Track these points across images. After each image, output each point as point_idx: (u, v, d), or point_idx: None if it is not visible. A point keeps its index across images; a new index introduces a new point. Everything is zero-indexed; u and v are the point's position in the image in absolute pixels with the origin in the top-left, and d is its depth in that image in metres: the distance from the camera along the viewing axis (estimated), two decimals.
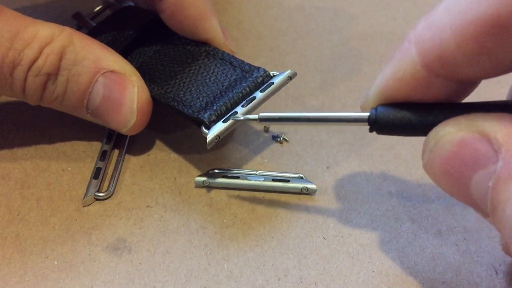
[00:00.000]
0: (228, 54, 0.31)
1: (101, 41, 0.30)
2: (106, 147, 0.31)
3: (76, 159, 0.31)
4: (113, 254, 0.27)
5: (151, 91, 0.30)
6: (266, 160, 0.31)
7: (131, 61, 0.31)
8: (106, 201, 0.29)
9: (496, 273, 0.26)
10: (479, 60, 0.19)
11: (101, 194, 0.29)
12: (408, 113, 0.22)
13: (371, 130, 0.23)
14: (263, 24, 0.42)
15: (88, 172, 0.30)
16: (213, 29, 0.32)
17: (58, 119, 0.33)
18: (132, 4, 0.37)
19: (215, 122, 0.28)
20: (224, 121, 0.27)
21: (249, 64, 0.30)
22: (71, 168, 0.31)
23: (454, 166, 0.20)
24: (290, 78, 0.30)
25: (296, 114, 0.25)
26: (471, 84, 0.22)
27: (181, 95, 0.30)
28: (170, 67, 0.31)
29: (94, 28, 0.35)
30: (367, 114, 0.23)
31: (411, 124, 0.22)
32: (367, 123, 0.23)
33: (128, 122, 0.29)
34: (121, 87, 0.29)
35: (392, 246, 0.27)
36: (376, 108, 0.23)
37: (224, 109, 0.28)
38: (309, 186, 0.29)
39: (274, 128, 0.33)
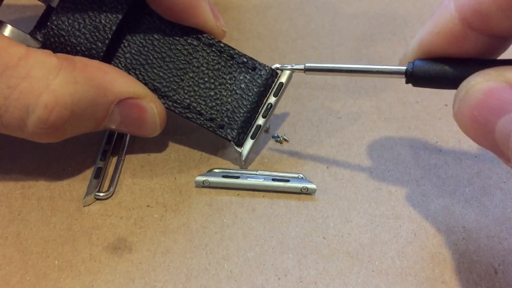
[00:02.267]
0: (228, 47, 0.30)
1: (83, 24, 0.28)
2: (106, 147, 0.31)
3: (76, 159, 0.31)
4: (114, 254, 0.27)
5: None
6: (266, 160, 0.31)
7: (122, 54, 0.29)
8: (106, 201, 0.29)
9: (496, 272, 0.26)
10: None
11: (101, 194, 0.29)
12: (443, 66, 0.24)
13: (407, 82, 0.25)
14: (263, 24, 0.42)
15: (89, 172, 0.30)
16: (204, 13, 0.30)
17: None
18: None
19: (243, 137, 0.30)
20: (252, 137, 0.30)
21: (251, 59, 0.30)
22: (72, 168, 0.31)
23: (482, 113, 0.21)
24: (291, 71, 0.31)
25: (339, 66, 0.27)
26: (506, 40, 0.23)
27: (194, 104, 0.30)
28: (168, 66, 0.30)
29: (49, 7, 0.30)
30: (404, 67, 0.25)
31: (446, 76, 0.24)
32: (404, 76, 0.25)
33: (149, 135, 0.30)
34: (139, 112, 0.28)
35: (391, 245, 0.27)
36: (413, 62, 0.25)
37: (247, 123, 0.30)
38: (309, 186, 0.29)
39: (274, 128, 0.33)
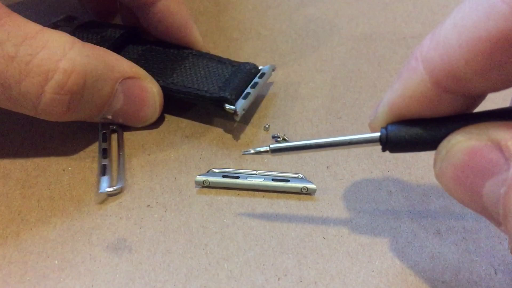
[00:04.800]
0: (214, 54, 0.35)
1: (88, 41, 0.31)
2: (104, 145, 0.31)
3: (76, 159, 0.31)
4: (114, 254, 0.27)
5: (158, 83, 0.33)
6: (266, 160, 0.31)
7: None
8: (106, 201, 0.29)
9: (496, 272, 0.26)
10: (489, 75, 0.19)
11: (112, 189, 0.29)
12: (419, 129, 0.22)
13: (383, 150, 0.23)
14: (263, 24, 0.42)
15: (89, 172, 0.30)
16: (195, 34, 0.35)
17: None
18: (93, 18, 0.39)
19: (235, 99, 0.32)
20: (243, 98, 0.32)
21: (235, 61, 0.35)
22: (72, 168, 0.31)
23: (466, 175, 0.20)
24: (273, 69, 0.36)
25: (306, 142, 0.25)
26: (480, 97, 0.22)
27: (190, 84, 0.33)
28: (165, 65, 0.34)
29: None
30: (377, 134, 0.23)
31: (423, 139, 0.22)
32: (379, 143, 0.23)
33: (149, 119, 0.32)
34: (141, 91, 0.31)
35: (391, 245, 0.27)
36: (386, 127, 0.23)
37: (238, 89, 0.32)
38: (309, 186, 0.29)
39: (274, 127, 0.33)
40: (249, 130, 0.33)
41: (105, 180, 0.29)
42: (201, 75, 0.33)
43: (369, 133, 0.23)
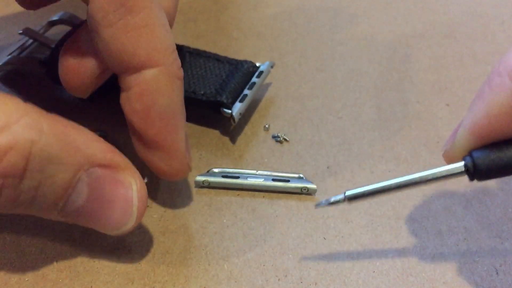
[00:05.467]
0: (211, 52, 0.34)
1: None
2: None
3: None
4: (113, 254, 0.26)
5: None
6: (266, 160, 0.31)
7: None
8: None
9: (497, 273, 0.25)
10: None
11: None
12: (510, 151, 0.21)
13: (471, 179, 0.22)
14: (263, 24, 0.42)
15: None
16: (179, 139, 0.26)
17: None
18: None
19: (232, 103, 0.31)
20: (240, 101, 0.32)
21: (233, 58, 0.34)
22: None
23: None
24: (272, 66, 0.35)
25: (385, 184, 0.23)
26: None
27: (186, 87, 0.31)
28: None
29: (56, 47, 0.32)
30: (461, 164, 0.22)
31: None
32: (465, 174, 0.22)
33: (122, 225, 0.24)
34: (113, 187, 0.23)
35: (392, 246, 0.27)
36: (470, 155, 0.21)
37: (234, 91, 0.32)
38: (309, 186, 0.29)
39: (274, 127, 0.33)
40: (249, 130, 0.33)
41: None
42: (198, 76, 0.33)
43: (450, 165, 0.22)
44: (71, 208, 0.22)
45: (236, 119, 0.31)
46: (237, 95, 0.32)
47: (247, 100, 0.32)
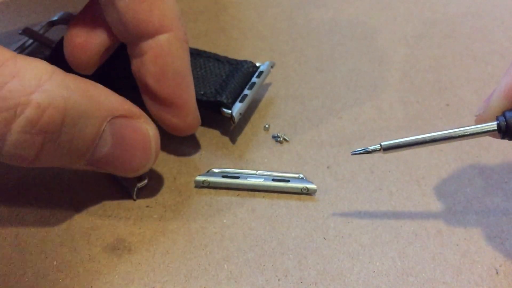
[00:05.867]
0: (211, 52, 0.34)
1: None
2: None
3: None
4: (113, 254, 0.26)
5: None
6: (266, 160, 0.31)
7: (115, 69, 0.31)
8: (105, 201, 0.29)
9: (497, 273, 0.25)
10: None
11: (142, 183, 0.29)
12: None
13: (503, 137, 0.23)
14: (263, 24, 0.42)
15: (88, 172, 0.30)
16: (190, 96, 0.29)
17: None
18: None
19: (232, 103, 0.31)
20: (240, 101, 0.32)
21: (233, 58, 0.34)
22: (71, 168, 0.31)
23: None
24: (272, 66, 0.35)
25: (420, 137, 0.24)
26: None
27: None
28: None
29: (56, 47, 0.33)
30: (494, 123, 0.23)
31: None
32: (496, 132, 0.23)
33: (142, 167, 0.27)
34: (133, 133, 0.25)
35: (392, 246, 0.27)
36: (503, 115, 0.22)
37: (234, 92, 0.32)
38: (309, 186, 0.29)
39: (274, 127, 0.33)
40: (249, 130, 0.33)
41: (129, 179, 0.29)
42: (198, 76, 0.33)
43: (483, 124, 0.23)
44: (98, 157, 0.25)
45: (236, 119, 0.31)
46: (237, 95, 0.32)
47: (247, 100, 0.32)
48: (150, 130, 0.26)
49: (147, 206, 0.29)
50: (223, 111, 0.31)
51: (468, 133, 0.23)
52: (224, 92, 0.31)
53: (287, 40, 0.40)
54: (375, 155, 0.31)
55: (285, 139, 0.32)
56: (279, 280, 0.25)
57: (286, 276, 0.26)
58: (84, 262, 0.26)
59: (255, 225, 0.28)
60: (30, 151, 0.22)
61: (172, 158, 0.31)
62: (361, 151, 0.25)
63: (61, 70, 0.23)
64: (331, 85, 0.36)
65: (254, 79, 0.33)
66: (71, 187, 0.30)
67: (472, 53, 0.39)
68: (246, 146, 0.32)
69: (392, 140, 0.24)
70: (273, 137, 0.33)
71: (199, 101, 0.31)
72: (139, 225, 0.28)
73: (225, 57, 0.34)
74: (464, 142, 0.32)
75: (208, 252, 0.27)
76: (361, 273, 0.26)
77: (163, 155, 0.31)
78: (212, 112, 0.32)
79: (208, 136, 0.33)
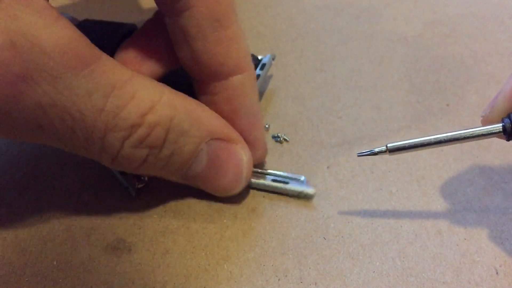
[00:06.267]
0: None
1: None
2: None
3: (76, 159, 0.31)
4: (113, 254, 0.26)
5: None
6: (266, 160, 0.31)
7: None
8: (105, 201, 0.29)
9: (497, 273, 0.25)
10: None
11: (141, 184, 0.29)
12: None
13: (508, 139, 0.23)
14: (263, 23, 0.42)
15: (88, 172, 0.30)
16: (261, 132, 0.29)
17: None
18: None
19: None
20: None
21: None
22: (71, 168, 0.31)
23: None
24: (273, 59, 0.36)
25: (425, 139, 0.24)
26: None
27: None
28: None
29: None
30: (499, 125, 0.23)
31: None
32: (502, 134, 0.23)
33: (232, 190, 0.28)
34: (228, 157, 0.27)
35: (392, 246, 0.27)
36: (509, 117, 0.23)
37: None
38: (307, 191, 0.29)
39: (274, 128, 0.33)
40: None
41: (129, 179, 0.29)
42: None
43: (489, 125, 0.23)
44: (192, 173, 0.26)
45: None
46: None
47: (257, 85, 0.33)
48: (244, 156, 0.27)
49: (147, 206, 0.29)
50: None
51: (474, 134, 0.23)
52: None
53: (287, 40, 0.40)
54: (376, 155, 0.31)
55: (285, 139, 0.32)
56: (279, 280, 0.25)
57: (286, 276, 0.26)
58: (84, 262, 0.26)
59: (255, 225, 0.28)
60: (135, 163, 0.24)
61: None
62: (367, 153, 0.25)
63: (170, 89, 0.25)
64: (331, 85, 0.36)
65: (257, 71, 0.34)
66: (71, 187, 0.30)
67: (472, 53, 0.39)
68: None
69: (398, 141, 0.24)
70: (273, 137, 0.33)
71: None
72: (139, 225, 0.28)
73: None
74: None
75: (208, 252, 0.27)
76: (361, 273, 0.26)
77: None
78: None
79: None
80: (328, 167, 0.31)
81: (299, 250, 0.27)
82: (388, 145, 0.24)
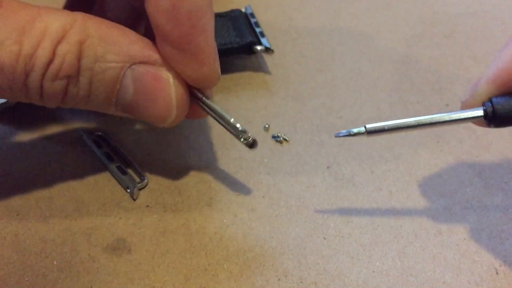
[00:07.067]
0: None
1: None
2: (106, 149, 0.31)
3: (76, 159, 0.31)
4: (113, 254, 0.26)
5: None
6: (266, 160, 0.31)
7: None
8: (105, 201, 0.29)
9: (497, 273, 0.25)
10: None
11: (141, 184, 0.29)
12: None
13: (489, 125, 0.22)
14: (263, 23, 0.42)
15: (88, 172, 0.30)
16: (207, 41, 0.26)
17: (58, 119, 0.33)
18: None
19: (258, 40, 0.36)
20: (262, 36, 0.37)
21: (224, 11, 0.38)
22: (70, 168, 0.31)
23: None
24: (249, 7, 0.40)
25: (405, 121, 0.23)
26: None
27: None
28: None
29: None
30: (480, 109, 0.22)
31: None
32: (482, 118, 0.22)
33: (166, 117, 0.26)
34: (153, 80, 0.25)
35: (392, 246, 0.27)
36: (490, 101, 0.22)
37: (250, 31, 0.37)
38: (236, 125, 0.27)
39: (274, 128, 0.33)
40: (249, 129, 0.33)
41: (129, 179, 0.29)
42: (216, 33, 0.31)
43: (470, 109, 0.22)
44: (123, 102, 0.25)
45: (269, 47, 0.36)
46: (254, 33, 0.37)
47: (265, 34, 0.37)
48: (170, 78, 0.25)
49: (147, 206, 0.29)
50: (256, 48, 0.36)
51: (453, 118, 0.23)
52: (244, 34, 0.36)
53: (287, 40, 0.40)
54: (376, 154, 0.31)
55: (285, 139, 0.32)
56: (279, 280, 0.25)
57: (286, 276, 0.26)
58: (84, 262, 0.26)
59: (255, 225, 0.28)
60: (59, 96, 0.24)
61: (172, 158, 0.31)
62: (344, 134, 0.24)
63: (85, 15, 0.24)
64: (331, 85, 0.36)
65: (252, 19, 0.38)
66: (71, 187, 0.30)
67: (472, 53, 0.39)
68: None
69: (377, 123, 0.24)
70: (273, 137, 0.33)
71: (232, 49, 0.35)
72: (139, 225, 0.28)
73: (220, 13, 0.37)
74: (463, 141, 0.32)
75: (208, 252, 0.27)
76: (361, 273, 0.26)
77: (163, 155, 0.31)
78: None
79: (207, 136, 0.33)
80: (328, 167, 0.31)
81: (299, 250, 0.27)
82: (366, 126, 0.24)
